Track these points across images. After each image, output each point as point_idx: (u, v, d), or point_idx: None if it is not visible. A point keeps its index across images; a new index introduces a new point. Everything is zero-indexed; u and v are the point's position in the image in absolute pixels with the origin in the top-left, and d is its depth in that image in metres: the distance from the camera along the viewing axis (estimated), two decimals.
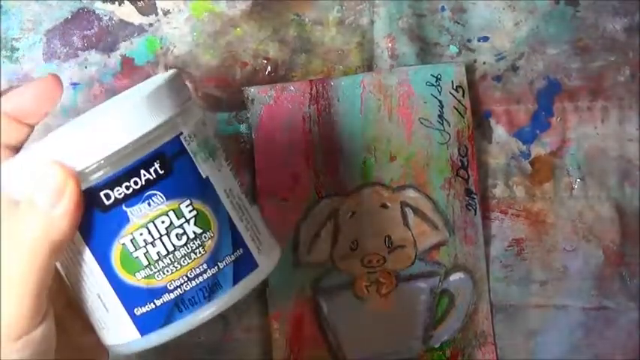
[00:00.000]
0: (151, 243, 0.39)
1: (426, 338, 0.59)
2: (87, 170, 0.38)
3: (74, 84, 0.56)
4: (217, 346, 0.57)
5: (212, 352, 0.57)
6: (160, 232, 0.39)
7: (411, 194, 0.58)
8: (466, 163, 0.58)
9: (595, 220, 0.59)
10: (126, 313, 0.40)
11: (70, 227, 0.38)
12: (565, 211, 0.59)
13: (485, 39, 0.59)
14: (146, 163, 0.39)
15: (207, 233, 0.40)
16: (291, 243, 0.57)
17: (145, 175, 0.39)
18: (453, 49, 0.58)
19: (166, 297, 0.40)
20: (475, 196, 0.58)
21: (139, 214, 0.39)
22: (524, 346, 0.60)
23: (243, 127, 0.57)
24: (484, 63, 0.59)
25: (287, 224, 0.57)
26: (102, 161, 0.38)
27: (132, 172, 0.39)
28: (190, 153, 0.40)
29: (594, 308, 0.60)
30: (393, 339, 0.58)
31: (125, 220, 0.39)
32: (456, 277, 0.58)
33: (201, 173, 0.40)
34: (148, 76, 0.56)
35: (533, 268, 0.60)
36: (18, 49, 0.55)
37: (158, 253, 0.39)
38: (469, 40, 0.59)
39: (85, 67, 0.56)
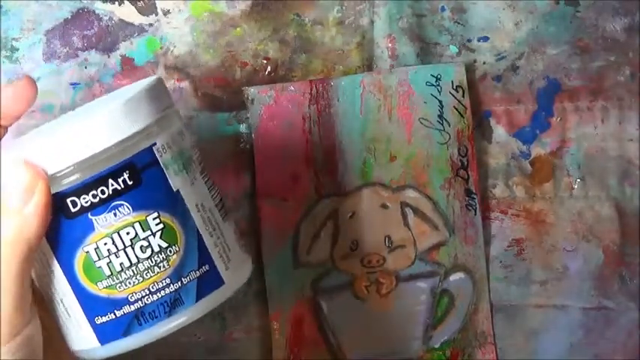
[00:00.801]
0: (115, 253, 0.39)
1: (426, 338, 0.59)
2: (59, 174, 0.38)
3: (74, 84, 0.56)
4: (217, 346, 0.57)
5: (212, 352, 0.57)
6: (124, 243, 0.39)
7: (411, 194, 0.58)
8: (466, 163, 0.58)
9: (595, 220, 0.59)
10: (86, 321, 0.40)
11: (40, 226, 0.38)
12: (565, 211, 0.59)
13: (486, 39, 0.59)
14: (115, 173, 0.39)
15: (173, 247, 0.40)
16: (291, 243, 0.57)
17: (112, 185, 0.38)
18: (453, 49, 0.58)
19: (127, 309, 0.40)
20: (475, 196, 0.58)
21: (104, 223, 0.39)
22: (524, 346, 0.60)
23: (243, 127, 0.57)
24: (484, 63, 0.59)
25: (287, 224, 0.57)
26: (72, 167, 0.38)
27: (100, 180, 0.38)
28: (162, 165, 0.40)
29: (594, 308, 0.60)
30: (393, 339, 0.58)
31: (90, 228, 0.39)
32: (456, 277, 0.58)
33: (172, 186, 0.40)
34: (148, 77, 0.56)
35: (533, 268, 0.60)
36: (18, 49, 0.55)
37: (121, 264, 0.39)
38: (469, 40, 0.59)
39: (85, 67, 0.56)
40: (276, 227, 0.56)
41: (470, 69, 0.58)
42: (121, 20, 0.56)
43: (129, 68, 0.56)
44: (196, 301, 0.40)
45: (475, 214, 0.58)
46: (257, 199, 0.56)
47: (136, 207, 0.39)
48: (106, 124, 0.38)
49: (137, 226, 0.39)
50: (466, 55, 0.59)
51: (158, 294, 0.40)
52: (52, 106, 0.55)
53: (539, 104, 0.59)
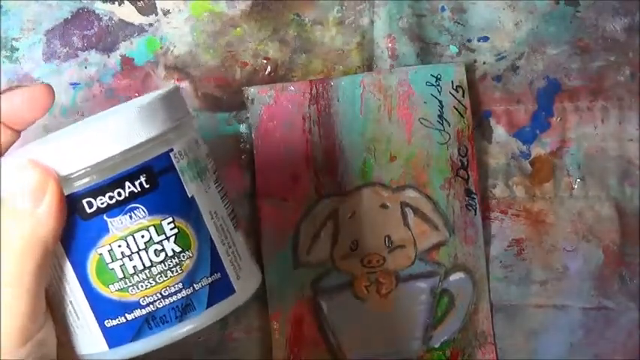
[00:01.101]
0: (128, 256, 0.39)
1: (426, 338, 0.59)
2: (72, 176, 0.38)
3: (74, 84, 0.56)
4: (217, 346, 0.57)
5: (212, 352, 0.57)
6: (138, 247, 0.39)
7: (411, 194, 0.58)
8: (466, 163, 0.58)
9: (595, 220, 0.59)
10: (96, 324, 0.40)
11: (56, 225, 0.37)
12: (565, 211, 0.59)
13: (486, 39, 0.59)
14: (132, 176, 0.38)
15: (187, 253, 0.40)
16: (291, 243, 0.57)
17: (129, 188, 0.38)
18: (453, 49, 0.58)
19: (138, 312, 0.39)
20: (475, 196, 0.58)
21: (119, 225, 0.39)
22: (524, 346, 0.60)
23: (243, 127, 0.57)
24: (484, 63, 0.59)
25: (287, 224, 0.57)
26: (88, 169, 0.38)
27: (116, 182, 0.38)
28: (178, 170, 0.40)
29: (594, 308, 0.60)
30: (393, 339, 0.58)
31: (105, 230, 0.39)
32: (456, 277, 0.58)
33: (187, 192, 0.40)
34: (148, 76, 0.56)
35: (533, 268, 0.60)
36: (18, 49, 0.55)
37: (134, 267, 0.39)
38: (469, 40, 0.59)
39: (85, 67, 0.56)
40: (276, 227, 0.56)
41: (470, 69, 0.58)
42: (121, 20, 0.56)
43: (129, 68, 0.56)
44: (207, 308, 0.40)
45: (475, 214, 0.58)
46: (257, 199, 0.56)
47: (152, 211, 0.39)
48: (124, 128, 0.38)
49: (152, 229, 0.39)
50: (466, 55, 0.59)
51: (170, 298, 0.39)
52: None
53: (539, 104, 0.59)
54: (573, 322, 0.60)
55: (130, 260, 0.39)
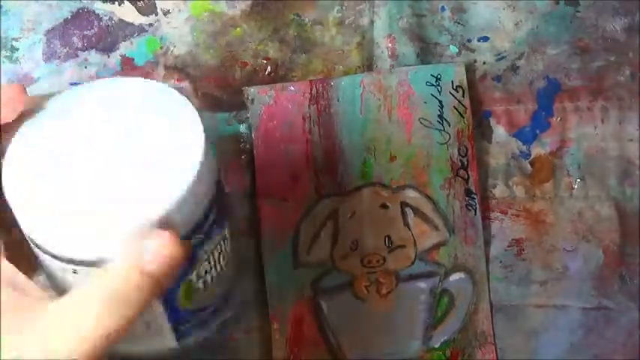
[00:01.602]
0: (208, 272, 0.40)
1: (426, 338, 0.59)
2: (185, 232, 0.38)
3: (74, 84, 0.56)
4: (217, 346, 0.57)
5: (212, 352, 0.57)
6: (215, 260, 0.41)
7: (411, 194, 0.58)
8: (466, 163, 0.58)
9: (595, 220, 0.59)
10: (170, 330, 0.41)
11: (170, 284, 0.37)
12: (565, 211, 0.59)
13: (486, 39, 0.59)
14: (210, 209, 0.39)
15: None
16: (291, 243, 0.57)
17: (212, 216, 0.39)
18: (453, 49, 0.58)
19: (209, 310, 0.42)
20: (475, 196, 0.58)
21: (207, 249, 0.40)
22: (524, 346, 0.60)
23: (243, 127, 0.57)
24: (484, 63, 0.59)
25: (287, 224, 0.57)
26: (193, 225, 0.38)
27: (205, 216, 0.39)
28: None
29: (594, 308, 0.60)
30: (393, 339, 0.58)
31: (196, 259, 0.39)
32: (456, 277, 0.59)
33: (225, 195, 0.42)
34: (148, 76, 0.56)
35: (533, 268, 0.60)
36: (18, 49, 0.55)
37: (212, 277, 0.41)
38: (469, 40, 0.59)
39: (85, 67, 0.56)
40: (276, 227, 0.57)
41: (470, 69, 0.58)
42: (121, 20, 0.56)
43: (129, 68, 0.56)
44: None
45: (475, 214, 0.58)
46: (257, 199, 0.56)
47: (221, 226, 0.40)
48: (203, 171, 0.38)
49: (222, 242, 0.41)
50: (466, 55, 0.59)
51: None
52: None
53: (539, 104, 0.59)
54: (573, 322, 0.60)
55: (208, 273, 0.40)
